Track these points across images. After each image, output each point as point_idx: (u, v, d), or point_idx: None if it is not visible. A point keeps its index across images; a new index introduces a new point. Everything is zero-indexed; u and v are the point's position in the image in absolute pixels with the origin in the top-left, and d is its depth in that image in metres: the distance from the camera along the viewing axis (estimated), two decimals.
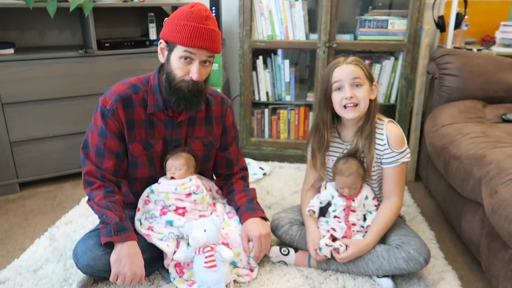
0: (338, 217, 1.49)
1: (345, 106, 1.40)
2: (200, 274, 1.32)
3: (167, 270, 1.41)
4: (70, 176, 2.30)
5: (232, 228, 1.46)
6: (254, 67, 2.43)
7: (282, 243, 1.57)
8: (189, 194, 1.45)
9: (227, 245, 1.39)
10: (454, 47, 2.33)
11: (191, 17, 1.26)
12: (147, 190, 1.48)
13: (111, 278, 1.27)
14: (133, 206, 1.50)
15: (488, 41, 2.47)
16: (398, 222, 1.51)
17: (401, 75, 2.29)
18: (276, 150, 2.53)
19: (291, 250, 1.51)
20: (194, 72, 1.30)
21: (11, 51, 2.05)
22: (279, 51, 2.46)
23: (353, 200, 1.46)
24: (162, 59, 1.37)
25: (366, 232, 1.45)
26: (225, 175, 1.65)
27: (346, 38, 2.31)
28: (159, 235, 1.39)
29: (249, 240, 1.43)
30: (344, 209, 1.48)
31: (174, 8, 2.49)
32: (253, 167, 2.35)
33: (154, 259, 1.39)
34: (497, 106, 1.98)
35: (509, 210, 1.17)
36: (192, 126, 1.50)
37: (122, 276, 1.25)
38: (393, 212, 1.44)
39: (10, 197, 2.11)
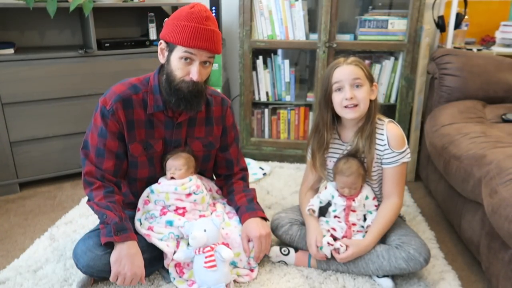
0: (338, 217, 1.49)
1: (345, 107, 1.40)
2: (200, 274, 1.32)
3: (167, 270, 1.41)
4: (70, 176, 2.30)
5: (232, 228, 1.46)
6: (254, 67, 2.43)
7: (282, 243, 1.57)
8: (189, 194, 1.45)
9: (227, 245, 1.39)
10: (454, 47, 2.33)
11: (191, 17, 1.26)
12: (147, 190, 1.48)
13: (111, 278, 1.27)
14: (133, 206, 1.50)
15: (488, 41, 2.47)
16: (398, 222, 1.51)
17: (401, 75, 2.29)
18: (276, 150, 2.53)
19: (291, 250, 1.51)
20: (194, 73, 1.30)
21: (11, 51, 2.05)
22: (279, 51, 2.46)
23: (354, 200, 1.46)
24: (162, 59, 1.37)
25: (366, 232, 1.45)
26: (225, 175, 1.65)
27: (346, 38, 2.31)
28: (159, 235, 1.39)
29: (249, 240, 1.43)
30: (344, 209, 1.48)
31: (174, 8, 2.50)
32: (253, 167, 2.35)
33: (154, 259, 1.39)
34: (497, 106, 1.98)
35: (509, 210, 1.17)
36: (192, 126, 1.50)
37: (122, 276, 1.25)
38: (393, 212, 1.44)
39: (10, 197, 2.11)
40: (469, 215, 1.53)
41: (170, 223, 1.41)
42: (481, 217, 1.43)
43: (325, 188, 1.55)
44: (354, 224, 1.47)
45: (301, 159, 2.47)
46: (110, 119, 1.35)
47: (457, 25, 2.30)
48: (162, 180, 1.49)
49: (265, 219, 1.52)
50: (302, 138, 2.55)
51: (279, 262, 1.52)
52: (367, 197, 1.49)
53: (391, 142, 1.42)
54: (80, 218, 1.85)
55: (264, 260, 1.52)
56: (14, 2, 2.03)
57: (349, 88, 1.38)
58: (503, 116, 1.85)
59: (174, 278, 1.39)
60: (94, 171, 1.36)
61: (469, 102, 1.99)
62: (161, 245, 1.36)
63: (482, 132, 1.65)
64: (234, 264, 1.43)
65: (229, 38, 2.72)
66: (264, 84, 2.46)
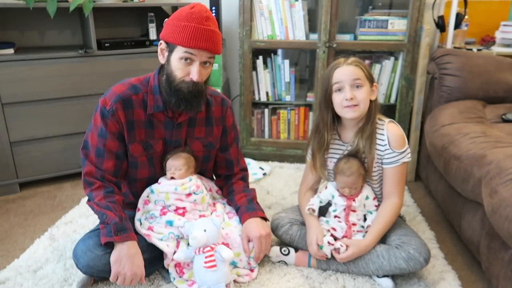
0: (339, 217, 1.49)
1: (345, 107, 1.40)
2: (200, 274, 1.32)
3: (167, 270, 1.41)
4: (70, 176, 2.30)
5: (232, 228, 1.46)
6: (254, 67, 2.43)
7: (282, 243, 1.57)
8: (189, 194, 1.45)
9: (227, 245, 1.39)
10: (454, 47, 2.33)
11: (192, 18, 1.26)
12: (147, 190, 1.48)
13: (111, 278, 1.27)
14: (133, 206, 1.50)
15: (488, 41, 2.47)
16: (398, 222, 1.51)
17: (401, 75, 2.29)
18: (276, 150, 2.53)
19: (291, 250, 1.51)
20: (194, 73, 1.30)
21: (11, 51, 2.05)
22: (279, 51, 2.46)
23: (354, 200, 1.46)
24: (162, 60, 1.37)
25: (366, 232, 1.45)
26: (225, 175, 1.65)
27: (346, 38, 2.31)
28: (159, 235, 1.39)
29: (249, 241, 1.43)
30: (344, 209, 1.48)
31: (174, 8, 2.50)
32: (253, 167, 2.35)
33: (154, 259, 1.39)
34: (497, 106, 1.98)
35: (509, 210, 1.17)
36: (192, 127, 1.50)
37: (122, 276, 1.25)
38: (393, 212, 1.44)
39: (10, 197, 2.11)
40: (469, 215, 1.53)
41: (170, 223, 1.41)
42: (481, 217, 1.43)
43: (326, 187, 1.55)
44: (354, 224, 1.47)
45: (301, 159, 2.47)
46: (110, 120, 1.35)
47: (457, 25, 2.30)
48: (162, 180, 1.49)
49: (265, 219, 1.52)
50: (302, 138, 2.55)
51: (279, 262, 1.52)
52: (367, 197, 1.49)
53: (391, 142, 1.42)
54: (80, 218, 1.85)
55: (264, 260, 1.52)
56: (14, 2, 2.03)
57: (349, 88, 1.38)
58: (503, 116, 1.85)
59: (174, 278, 1.39)
60: (94, 171, 1.36)
61: (469, 102, 1.99)
62: (161, 245, 1.36)
63: (482, 132, 1.65)
64: (234, 264, 1.43)
65: (229, 38, 2.73)
66: (264, 84, 2.46)
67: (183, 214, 1.44)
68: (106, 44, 2.19)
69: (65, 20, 2.35)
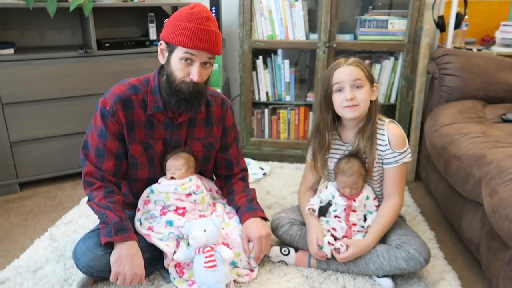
0: (339, 217, 1.49)
1: (345, 107, 1.40)
2: (200, 274, 1.32)
3: (167, 270, 1.41)
4: (70, 176, 2.30)
5: (232, 228, 1.46)
6: (254, 67, 2.43)
7: (282, 243, 1.57)
8: (189, 194, 1.45)
9: (227, 245, 1.39)
10: (454, 47, 2.33)
11: (192, 18, 1.26)
12: (147, 190, 1.48)
13: (111, 278, 1.27)
14: (133, 206, 1.50)
15: (488, 41, 2.47)
16: (398, 222, 1.51)
17: (401, 75, 2.29)
18: (276, 150, 2.53)
19: (292, 250, 1.51)
20: (194, 74, 1.30)
21: (11, 51, 2.05)
22: (279, 51, 2.46)
23: (354, 200, 1.46)
24: (162, 60, 1.37)
25: (366, 232, 1.45)
26: (225, 176, 1.65)
27: (346, 38, 2.31)
28: (159, 235, 1.39)
29: (249, 241, 1.43)
30: (345, 209, 1.48)
31: (174, 8, 2.50)
32: (253, 167, 2.35)
33: (154, 259, 1.39)
34: (497, 106, 1.98)
35: (509, 210, 1.17)
36: (192, 127, 1.50)
37: (122, 276, 1.25)
38: (394, 212, 1.44)
39: (10, 197, 2.11)
40: (469, 215, 1.53)
41: (170, 223, 1.41)
42: (481, 217, 1.43)
43: (326, 187, 1.55)
44: (354, 224, 1.47)
45: (301, 159, 2.47)
46: (110, 120, 1.35)
47: (457, 25, 2.30)
48: (162, 180, 1.49)
49: (265, 219, 1.52)
50: (302, 138, 2.55)
51: (279, 262, 1.52)
52: (367, 197, 1.49)
53: (392, 142, 1.42)
54: (80, 218, 1.85)
55: (264, 260, 1.52)
56: (14, 2, 2.03)
57: (350, 89, 1.38)
58: (503, 116, 1.85)
59: (174, 278, 1.39)
60: (94, 171, 1.36)
61: (469, 102, 1.99)
62: (161, 245, 1.36)
63: (482, 132, 1.65)
64: (234, 264, 1.43)
65: (229, 38, 2.73)
66: (264, 84, 2.46)
67: (183, 214, 1.44)
68: (106, 44, 2.19)
69: (65, 20, 2.35)
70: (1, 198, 2.10)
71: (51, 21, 2.28)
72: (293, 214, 1.60)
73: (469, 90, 2.02)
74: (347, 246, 1.40)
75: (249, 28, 2.31)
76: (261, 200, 1.77)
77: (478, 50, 2.33)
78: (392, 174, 1.45)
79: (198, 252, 1.32)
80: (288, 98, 2.48)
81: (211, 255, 1.30)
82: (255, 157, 2.53)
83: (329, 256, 1.42)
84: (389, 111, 2.32)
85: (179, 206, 1.45)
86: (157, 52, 1.39)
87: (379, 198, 1.53)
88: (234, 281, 1.40)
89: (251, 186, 1.72)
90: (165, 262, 1.39)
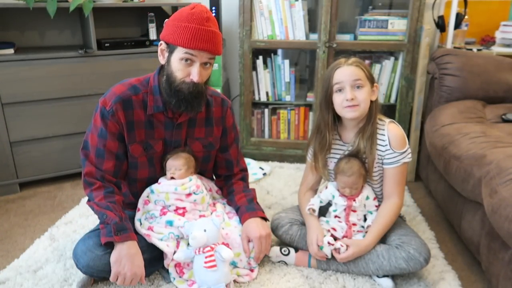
0: (339, 217, 1.49)
1: (346, 107, 1.40)
2: (200, 274, 1.32)
3: (167, 270, 1.41)
4: (70, 176, 2.30)
5: (232, 228, 1.46)
6: (254, 67, 2.43)
7: (282, 243, 1.57)
8: (189, 194, 1.45)
9: (227, 245, 1.39)
10: (454, 47, 2.33)
11: (192, 18, 1.26)
12: (147, 190, 1.48)
13: (111, 278, 1.27)
14: (133, 207, 1.50)
15: (488, 41, 2.47)
16: (398, 222, 1.51)
17: (401, 75, 2.29)
18: (276, 150, 2.53)
19: (292, 250, 1.51)
20: (194, 74, 1.30)
21: (11, 51, 2.05)
22: (279, 51, 2.46)
23: (354, 200, 1.46)
24: (162, 60, 1.37)
25: (366, 232, 1.45)
26: (225, 176, 1.65)
27: (346, 38, 2.31)
28: (159, 235, 1.39)
29: (249, 241, 1.43)
30: (345, 209, 1.48)
31: (174, 8, 2.50)
32: (253, 167, 2.35)
33: (154, 259, 1.39)
34: (497, 106, 1.98)
35: (509, 210, 1.17)
36: (192, 127, 1.50)
37: (122, 276, 1.25)
38: (394, 212, 1.44)
39: (10, 197, 2.11)
40: (469, 215, 1.53)
41: (170, 223, 1.41)
42: (481, 217, 1.43)
43: (326, 187, 1.55)
44: (354, 224, 1.47)
45: (301, 159, 2.47)
46: (110, 120, 1.35)
47: (457, 25, 2.30)
48: (162, 180, 1.49)
49: (265, 219, 1.52)
50: (302, 138, 2.55)
51: (279, 262, 1.52)
52: (367, 197, 1.49)
53: (392, 142, 1.42)
54: (80, 218, 1.85)
55: (264, 260, 1.52)
56: (14, 2, 2.03)
57: (350, 89, 1.38)
58: (503, 116, 1.85)
59: (174, 278, 1.39)
60: (94, 171, 1.36)
61: (469, 102, 1.99)
62: (161, 245, 1.36)
63: (482, 132, 1.65)
64: (234, 264, 1.43)
65: (229, 38, 2.73)
66: (264, 84, 2.46)
67: (183, 214, 1.44)
68: (106, 44, 2.19)
69: (65, 20, 2.35)
70: (1, 198, 2.10)
71: (51, 21, 2.28)
72: (293, 214, 1.60)
73: (469, 90, 2.02)
74: (347, 246, 1.40)
75: (249, 28, 2.31)
76: (261, 200, 1.77)
77: (478, 50, 2.33)
78: (392, 174, 1.45)
79: (198, 252, 1.32)
80: (288, 98, 2.48)
81: (211, 255, 1.30)
82: (255, 157, 2.53)
83: (329, 256, 1.42)
84: (389, 111, 2.32)
85: (179, 206, 1.45)
86: (157, 52, 1.39)
87: (379, 198, 1.53)
88: (234, 281, 1.40)
89: (251, 186, 1.72)
90: (165, 262, 1.39)
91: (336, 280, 1.42)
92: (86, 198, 1.39)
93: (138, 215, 1.46)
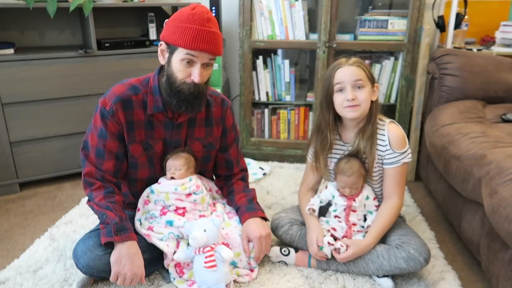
0: (339, 217, 1.49)
1: (346, 106, 1.40)
2: (200, 274, 1.32)
3: (167, 270, 1.41)
4: (70, 176, 2.30)
5: (232, 228, 1.46)
6: (254, 67, 2.43)
7: (282, 243, 1.57)
8: (189, 194, 1.45)
9: (227, 245, 1.39)
10: (454, 47, 2.33)
11: (193, 19, 1.26)
12: (147, 190, 1.48)
13: (111, 278, 1.27)
14: (133, 207, 1.50)
15: (488, 41, 2.47)
16: (398, 222, 1.51)
17: (401, 75, 2.29)
18: (276, 150, 2.53)
19: (292, 250, 1.51)
20: (196, 75, 1.30)
21: (11, 51, 2.05)
22: (279, 51, 2.46)
23: (354, 200, 1.46)
24: (162, 61, 1.36)
25: (366, 232, 1.45)
26: (225, 176, 1.65)
27: (346, 38, 2.31)
28: (159, 235, 1.39)
29: (249, 241, 1.43)
30: (344, 209, 1.48)
31: (174, 8, 2.50)
32: (253, 167, 2.35)
33: (154, 259, 1.39)
34: (497, 106, 1.98)
35: (509, 210, 1.17)
36: (192, 127, 1.50)
37: (122, 276, 1.25)
38: (394, 212, 1.44)
39: (10, 197, 2.11)
40: (469, 215, 1.53)
41: (170, 223, 1.41)
42: (481, 217, 1.43)
43: (326, 187, 1.55)
44: (354, 224, 1.47)
45: (301, 159, 2.47)
46: (110, 120, 1.35)
47: (457, 25, 2.30)
48: (162, 180, 1.49)
49: (265, 219, 1.52)
50: (302, 138, 2.55)
51: (279, 262, 1.52)
52: (367, 197, 1.49)
53: (392, 142, 1.42)
54: (80, 218, 1.85)
55: (264, 260, 1.52)
56: (14, 2, 2.03)
57: (351, 89, 1.38)
58: (503, 116, 1.85)
59: (174, 278, 1.39)
60: (94, 171, 1.36)
61: (469, 102, 1.99)
62: (161, 245, 1.36)
63: (482, 132, 1.65)
64: (234, 264, 1.43)
65: (229, 38, 2.73)
66: (264, 84, 2.46)
67: (183, 214, 1.44)
68: (106, 44, 2.19)
69: (65, 20, 2.35)
70: (1, 198, 2.10)
71: (51, 21, 2.28)
72: (293, 214, 1.60)
73: (469, 90, 2.02)
74: (347, 246, 1.40)
75: (249, 28, 2.31)
76: (261, 200, 1.77)
77: (478, 50, 2.33)
78: (392, 175, 1.45)
79: (198, 252, 1.32)
80: (288, 98, 2.48)
81: (211, 255, 1.30)
82: (255, 157, 2.53)
83: (329, 256, 1.42)
84: (389, 111, 2.32)
85: (179, 206, 1.45)
86: (157, 52, 1.39)
87: (379, 198, 1.53)
88: (234, 281, 1.40)
89: (251, 186, 1.72)
90: (165, 262, 1.39)
91: (336, 280, 1.42)
92: (86, 198, 1.39)
93: (138, 215, 1.46)
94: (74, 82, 2.12)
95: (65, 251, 1.59)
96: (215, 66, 2.40)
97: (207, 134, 1.54)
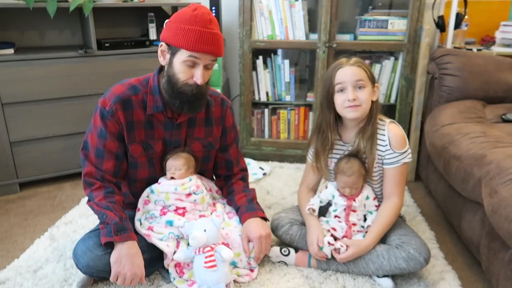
0: (339, 217, 1.49)
1: (347, 107, 1.40)
2: (200, 274, 1.32)
3: (167, 270, 1.41)
4: (70, 176, 2.30)
5: (232, 228, 1.46)
6: (254, 67, 2.43)
7: (282, 243, 1.57)
8: (189, 194, 1.45)
9: (227, 245, 1.39)
10: (454, 47, 2.33)
11: (195, 21, 1.25)
12: (147, 190, 1.48)
13: (111, 278, 1.27)
14: (133, 207, 1.50)
15: (488, 41, 2.47)
16: (398, 222, 1.51)
17: (401, 75, 2.29)
18: (276, 150, 2.53)
19: (292, 251, 1.51)
20: (198, 77, 1.30)
21: (11, 51, 2.05)
22: (279, 51, 2.46)
23: (354, 200, 1.46)
24: (163, 61, 1.36)
25: (366, 232, 1.45)
26: (225, 176, 1.65)
27: (346, 38, 2.31)
28: (159, 235, 1.39)
29: (249, 241, 1.43)
30: (344, 209, 1.48)
31: (174, 8, 2.50)
32: (253, 167, 2.35)
33: (154, 259, 1.39)
34: (497, 106, 1.98)
35: (509, 210, 1.17)
36: (191, 127, 1.50)
37: (122, 276, 1.25)
38: (393, 212, 1.44)
39: (10, 197, 2.11)
40: (469, 215, 1.53)
41: (170, 223, 1.41)
42: (481, 217, 1.43)
43: (326, 187, 1.55)
44: (354, 224, 1.47)
45: (301, 159, 2.47)
46: (110, 120, 1.35)
47: (457, 25, 2.30)
48: (162, 180, 1.49)
49: (265, 219, 1.52)
50: (302, 138, 2.55)
51: (279, 262, 1.52)
52: (367, 197, 1.49)
53: (392, 142, 1.42)
54: (80, 218, 1.85)
55: (264, 260, 1.52)
56: (14, 2, 2.03)
57: (352, 89, 1.38)
58: (503, 116, 1.85)
59: (174, 278, 1.39)
60: (94, 171, 1.36)
61: (469, 102, 1.99)
62: (161, 245, 1.36)
63: (482, 132, 1.65)
64: (234, 264, 1.43)
65: (229, 38, 2.72)
66: (264, 84, 2.46)
67: (183, 214, 1.44)
68: (106, 44, 2.19)
69: (65, 20, 2.35)
70: (1, 198, 2.10)
71: (51, 21, 2.28)
72: (293, 214, 1.60)
73: (469, 90, 2.02)
74: (347, 246, 1.40)
75: (249, 28, 2.31)
76: (261, 200, 1.77)
77: (478, 50, 2.33)
78: (392, 175, 1.45)
79: (198, 252, 1.32)
80: (288, 98, 2.48)
81: (211, 255, 1.30)
82: (255, 157, 2.53)
83: (329, 256, 1.42)
84: (389, 111, 2.32)
85: (179, 206, 1.45)
86: (157, 52, 1.39)
87: (379, 198, 1.53)
88: (234, 281, 1.40)
89: (251, 186, 1.72)
90: (165, 262, 1.39)
91: (336, 280, 1.42)
92: (86, 198, 1.39)
93: (138, 215, 1.46)
94: (74, 82, 2.12)
95: (65, 251, 1.59)
96: (215, 66, 2.39)
97: (207, 134, 1.54)
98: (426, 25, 2.19)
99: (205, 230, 1.32)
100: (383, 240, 1.45)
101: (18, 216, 1.93)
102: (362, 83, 1.38)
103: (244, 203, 1.53)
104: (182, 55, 1.28)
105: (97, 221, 1.37)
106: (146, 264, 1.31)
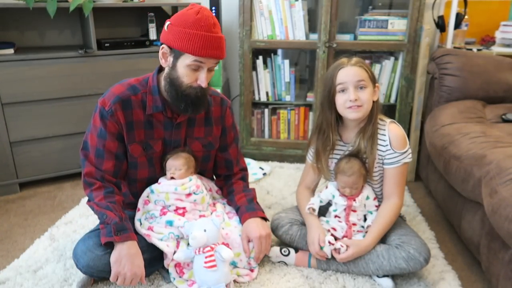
0: (339, 217, 1.49)
1: (349, 107, 1.39)
2: (200, 274, 1.32)
3: (167, 270, 1.41)
4: (70, 176, 2.30)
5: (232, 228, 1.46)
6: (254, 67, 2.43)
7: (282, 243, 1.57)
8: (189, 194, 1.45)
9: (227, 245, 1.39)
10: (454, 47, 2.33)
11: (200, 25, 1.25)
12: (147, 190, 1.48)
13: (111, 278, 1.27)
14: (133, 207, 1.50)
15: (488, 41, 2.47)
16: (398, 221, 1.51)
17: (401, 75, 2.29)
18: (276, 150, 2.53)
19: (292, 251, 1.51)
20: (203, 80, 1.31)
21: (11, 51, 2.05)
22: (279, 51, 2.46)
23: (354, 200, 1.46)
24: (164, 64, 1.36)
25: (366, 232, 1.45)
26: (225, 175, 1.65)
27: (346, 38, 2.31)
28: (159, 235, 1.39)
29: (249, 241, 1.43)
30: (345, 209, 1.48)
31: (174, 8, 2.50)
32: (253, 167, 2.35)
33: (154, 259, 1.39)
34: (497, 106, 1.98)
35: (509, 210, 1.17)
36: (191, 127, 1.50)
37: (122, 276, 1.25)
38: (394, 212, 1.44)
39: (10, 197, 2.11)
40: (469, 215, 1.53)
41: (170, 223, 1.41)
42: (481, 217, 1.43)
43: (326, 187, 1.55)
44: (354, 224, 1.47)
45: (301, 159, 2.47)
46: (109, 120, 1.35)
47: (457, 25, 2.30)
48: (162, 180, 1.49)
49: (265, 219, 1.52)
50: (302, 138, 2.55)
51: (279, 262, 1.52)
52: (368, 197, 1.49)
53: (392, 142, 1.42)
54: (80, 218, 1.85)
55: (264, 260, 1.52)
56: (14, 2, 2.03)
57: (353, 89, 1.38)
58: (503, 116, 1.85)
59: (174, 278, 1.39)
60: (94, 171, 1.36)
61: (469, 102, 1.99)
62: (161, 245, 1.36)
63: (482, 132, 1.65)
64: (234, 264, 1.43)
65: (229, 38, 2.72)
66: (264, 84, 2.46)
67: (183, 214, 1.44)
68: (106, 44, 2.19)
69: (65, 20, 2.35)
70: (1, 198, 2.10)
71: (51, 21, 2.28)
72: (293, 214, 1.60)
73: (469, 90, 2.02)
74: (347, 246, 1.40)
75: (249, 28, 2.31)
76: (261, 200, 1.77)
77: (478, 50, 2.33)
78: (393, 175, 1.45)
79: (198, 252, 1.32)
80: (288, 98, 2.48)
81: (211, 255, 1.30)
82: (255, 157, 2.53)
83: (329, 256, 1.42)
84: (389, 111, 2.32)
85: (179, 206, 1.45)
86: (157, 52, 1.39)
87: (379, 198, 1.53)
88: (234, 281, 1.40)
89: (251, 186, 1.72)
90: (165, 262, 1.39)
91: (336, 280, 1.42)
92: (86, 198, 1.39)
93: (138, 215, 1.46)
94: (74, 82, 2.12)
95: (65, 251, 1.59)
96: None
97: (206, 134, 1.54)
98: (426, 25, 2.19)
99: (205, 230, 1.32)
100: (383, 240, 1.45)
101: (18, 216, 1.93)
102: (363, 84, 1.38)
103: (244, 203, 1.53)
104: (187, 59, 1.28)
105: (97, 221, 1.37)
106: (146, 264, 1.31)
